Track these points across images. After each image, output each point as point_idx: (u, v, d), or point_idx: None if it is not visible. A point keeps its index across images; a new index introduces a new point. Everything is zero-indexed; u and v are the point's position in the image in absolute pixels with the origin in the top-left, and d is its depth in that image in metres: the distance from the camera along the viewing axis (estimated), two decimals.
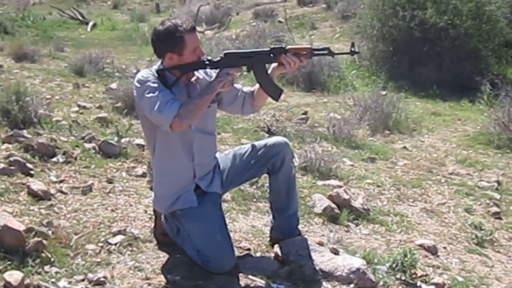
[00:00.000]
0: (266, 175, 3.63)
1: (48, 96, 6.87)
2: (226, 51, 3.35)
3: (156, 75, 3.21)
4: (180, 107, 3.08)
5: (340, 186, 4.74)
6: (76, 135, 5.28)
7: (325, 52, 3.39)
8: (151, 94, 3.12)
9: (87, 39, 14.22)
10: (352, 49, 3.37)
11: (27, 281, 2.91)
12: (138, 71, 3.31)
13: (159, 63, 3.31)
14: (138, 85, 3.21)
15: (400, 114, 7.67)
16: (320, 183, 4.96)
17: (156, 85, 3.16)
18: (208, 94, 3.20)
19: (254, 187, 4.58)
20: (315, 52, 3.38)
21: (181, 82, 3.27)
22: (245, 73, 3.51)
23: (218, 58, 3.28)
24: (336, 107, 8.27)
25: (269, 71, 3.39)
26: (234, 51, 3.47)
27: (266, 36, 11.19)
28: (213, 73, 3.32)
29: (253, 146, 3.57)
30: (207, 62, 3.27)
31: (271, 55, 3.34)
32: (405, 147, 6.81)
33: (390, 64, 10.95)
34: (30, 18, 16.10)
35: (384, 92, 8.38)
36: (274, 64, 3.38)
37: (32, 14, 16.83)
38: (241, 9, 18.40)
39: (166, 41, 3.19)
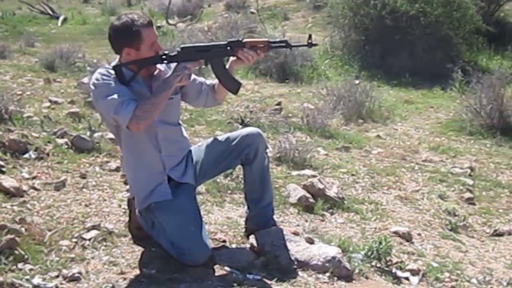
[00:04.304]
0: (240, 166, 3.62)
1: (19, 92, 6.78)
2: (182, 45, 3.33)
3: (113, 71, 3.18)
4: (136, 108, 3.05)
5: (314, 176, 4.76)
6: (48, 130, 5.22)
7: (283, 44, 3.40)
8: (106, 97, 3.09)
9: (58, 33, 14.06)
10: (309, 41, 3.35)
11: (0, 279, 2.88)
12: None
13: (117, 59, 3.27)
14: (93, 88, 3.18)
15: (373, 103, 7.72)
16: (294, 173, 4.97)
17: (111, 85, 3.12)
18: (165, 90, 3.16)
19: (229, 178, 4.58)
20: (272, 45, 3.37)
21: (140, 77, 3.24)
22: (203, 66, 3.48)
23: (175, 53, 3.25)
24: (309, 97, 8.29)
25: (227, 66, 3.38)
26: (191, 45, 3.44)
27: (239, 27, 11.13)
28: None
29: (226, 137, 3.56)
30: (164, 57, 3.24)
31: (228, 48, 3.32)
32: (378, 136, 6.86)
33: (362, 53, 11.01)
34: None
35: (357, 81, 8.42)
36: (233, 58, 3.37)
37: (1, 9, 16.62)
38: (213, 0, 18.30)
39: (123, 36, 3.16)
